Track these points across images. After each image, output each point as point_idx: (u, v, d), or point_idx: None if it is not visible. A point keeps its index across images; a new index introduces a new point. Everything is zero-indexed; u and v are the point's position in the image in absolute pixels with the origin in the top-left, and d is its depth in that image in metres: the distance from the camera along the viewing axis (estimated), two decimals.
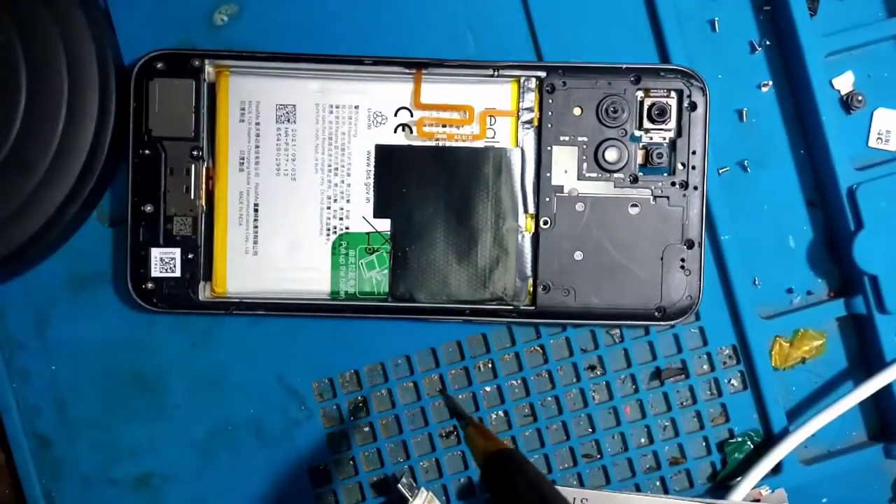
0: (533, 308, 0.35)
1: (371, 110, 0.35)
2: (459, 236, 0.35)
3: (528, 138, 0.35)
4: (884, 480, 0.38)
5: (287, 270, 0.35)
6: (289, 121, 0.35)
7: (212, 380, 0.36)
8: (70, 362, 0.36)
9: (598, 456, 0.37)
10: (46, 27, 0.33)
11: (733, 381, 0.37)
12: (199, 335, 0.36)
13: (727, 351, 0.37)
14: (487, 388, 0.37)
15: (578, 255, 0.35)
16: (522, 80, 0.35)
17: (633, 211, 0.35)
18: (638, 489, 0.37)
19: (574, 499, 0.34)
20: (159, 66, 0.35)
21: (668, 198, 0.35)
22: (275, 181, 0.35)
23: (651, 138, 0.35)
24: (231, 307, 0.35)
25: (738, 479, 0.36)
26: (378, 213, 0.35)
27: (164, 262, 0.35)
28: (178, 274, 0.35)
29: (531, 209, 0.35)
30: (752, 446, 0.37)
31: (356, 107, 0.35)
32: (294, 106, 0.35)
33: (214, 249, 0.35)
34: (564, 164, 0.35)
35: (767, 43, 0.37)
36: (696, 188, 0.35)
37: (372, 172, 0.35)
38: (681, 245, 0.35)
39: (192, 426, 0.36)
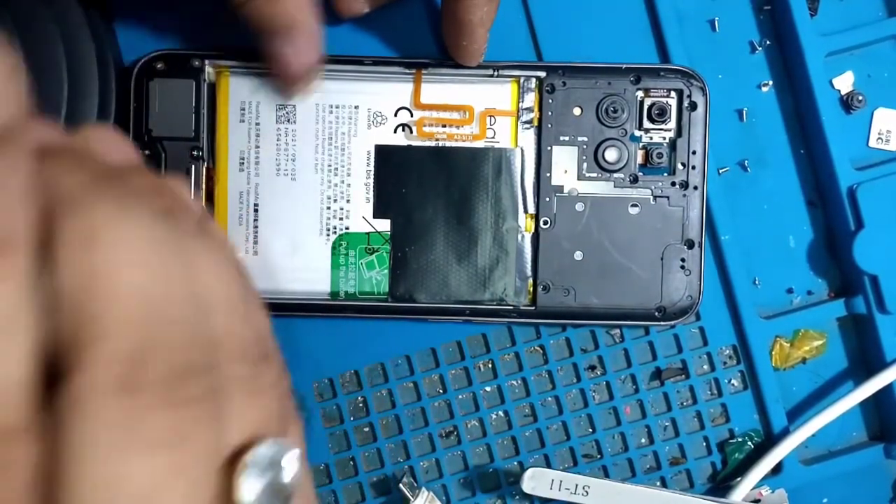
0: (533, 308, 0.35)
1: (371, 110, 0.35)
2: (459, 236, 0.35)
3: (528, 138, 0.35)
4: (884, 480, 0.38)
5: (287, 270, 0.35)
6: (289, 121, 0.35)
7: None
8: None
9: (599, 456, 0.37)
10: (46, 27, 0.33)
11: (733, 381, 0.37)
12: None
13: (727, 351, 0.37)
14: (487, 388, 0.37)
15: (578, 255, 0.35)
16: (522, 80, 0.35)
17: (633, 211, 0.35)
18: None
19: (577, 485, 0.34)
20: (159, 66, 0.35)
21: (668, 198, 0.35)
22: (275, 181, 0.35)
23: (651, 138, 0.35)
24: None
25: (738, 479, 0.36)
26: (378, 214, 0.35)
27: None
28: None
29: (531, 209, 0.35)
30: (752, 446, 0.37)
31: (356, 107, 0.35)
32: (294, 106, 0.35)
33: None
34: (564, 164, 0.35)
35: (767, 43, 0.37)
36: (696, 188, 0.35)
37: (372, 172, 0.35)
38: (681, 245, 0.35)
39: None
